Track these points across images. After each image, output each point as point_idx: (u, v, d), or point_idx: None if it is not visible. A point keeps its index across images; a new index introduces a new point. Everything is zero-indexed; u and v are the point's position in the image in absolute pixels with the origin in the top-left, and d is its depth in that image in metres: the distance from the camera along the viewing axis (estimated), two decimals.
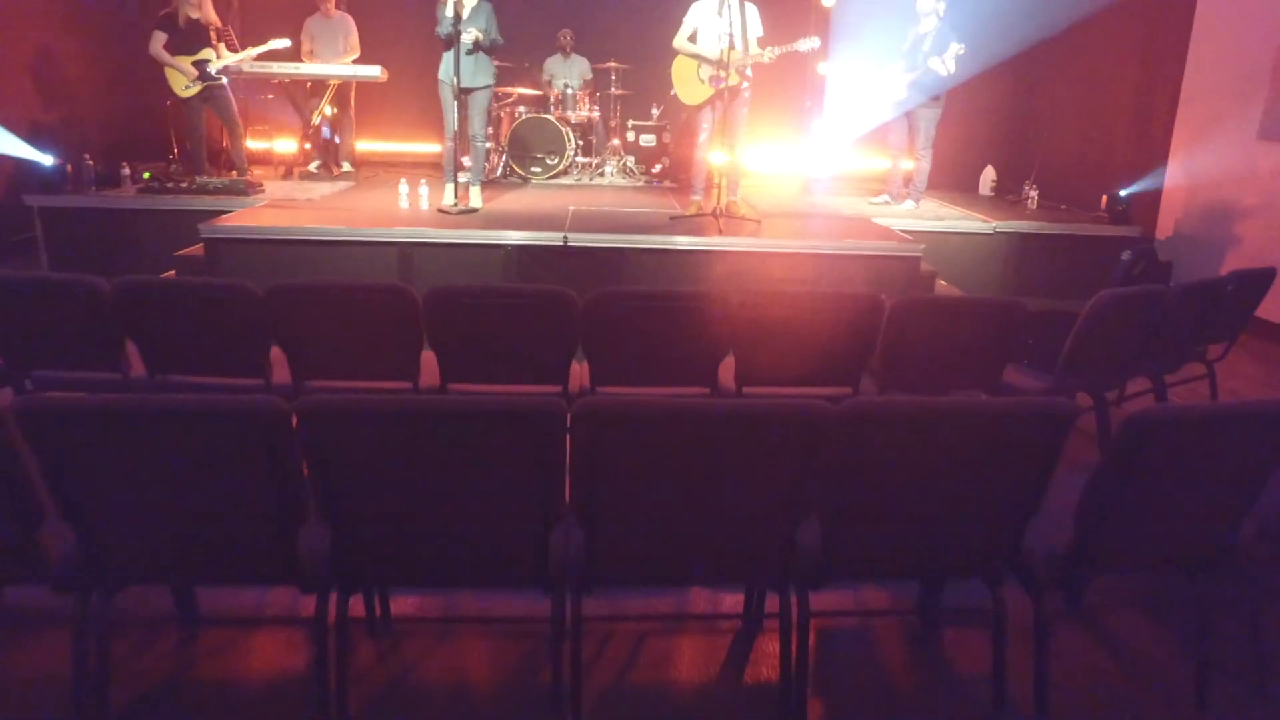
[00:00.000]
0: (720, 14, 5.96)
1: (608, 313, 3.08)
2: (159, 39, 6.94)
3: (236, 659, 2.50)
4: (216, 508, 2.01)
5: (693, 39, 6.22)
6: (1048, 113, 8.72)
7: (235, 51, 7.24)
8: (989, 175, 8.75)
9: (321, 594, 2.12)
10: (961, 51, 6.70)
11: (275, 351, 3.22)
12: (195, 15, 7.03)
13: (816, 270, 5.62)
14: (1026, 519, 2.17)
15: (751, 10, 6.12)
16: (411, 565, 2.14)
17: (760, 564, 2.17)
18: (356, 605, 2.43)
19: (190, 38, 7.03)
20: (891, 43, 7.35)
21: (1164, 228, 7.16)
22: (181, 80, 7.09)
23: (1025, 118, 9.00)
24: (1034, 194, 7.86)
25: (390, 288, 3.09)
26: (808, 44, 5.99)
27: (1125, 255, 4.71)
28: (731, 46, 5.84)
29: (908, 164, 7.59)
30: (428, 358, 3.23)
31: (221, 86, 7.20)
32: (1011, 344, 3.28)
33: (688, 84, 6.30)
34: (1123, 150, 7.57)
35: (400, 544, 2.09)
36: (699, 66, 6.19)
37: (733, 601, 2.78)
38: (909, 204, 7.39)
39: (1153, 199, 7.19)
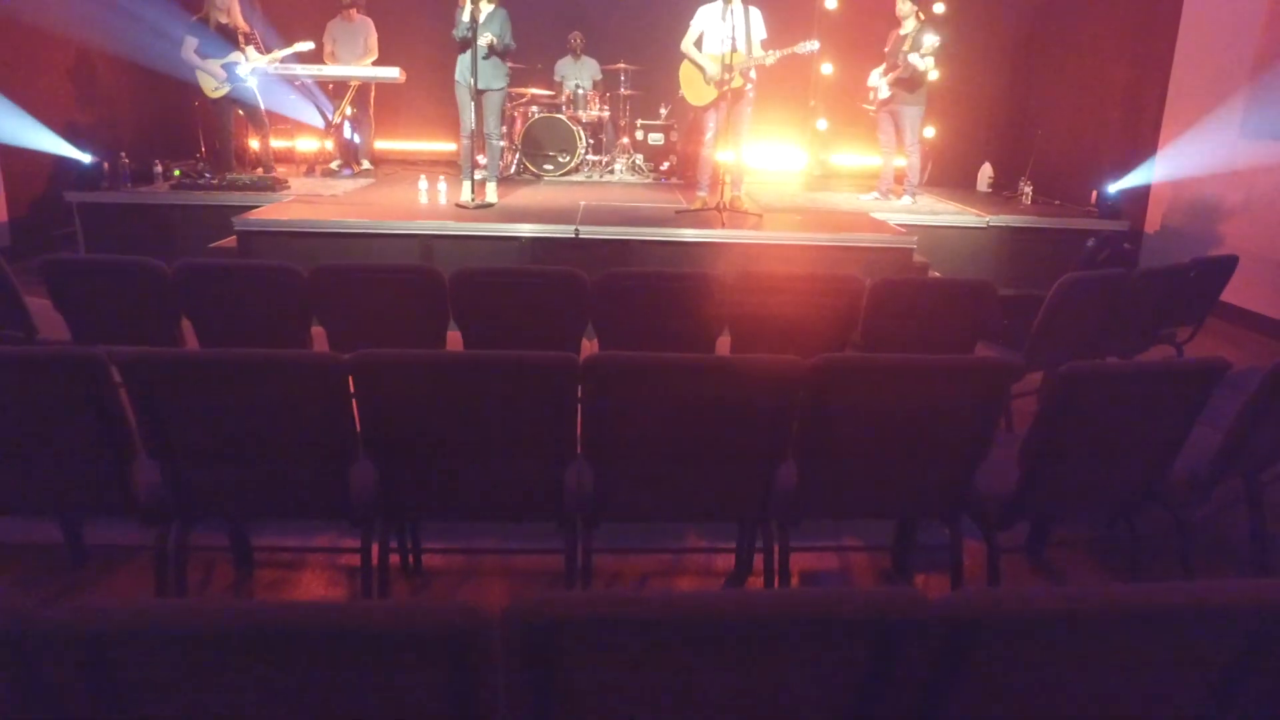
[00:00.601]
0: (724, 18, 6.31)
1: (614, 292, 3.43)
2: (190, 44, 7.33)
3: (287, 590, 2.87)
4: (280, 448, 2.38)
5: (699, 43, 6.57)
6: (1043, 112, 9.05)
7: (262, 54, 7.62)
8: (986, 172, 9.08)
9: (367, 526, 2.48)
10: (937, 44, 7.05)
11: (316, 329, 3.59)
12: (224, 20, 7.42)
13: (813, 261, 5.96)
14: (976, 463, 2.51)
15: (755, 14, 6.47)
16: (446, 499, 2.50)
17: (745, 501, 2.53)
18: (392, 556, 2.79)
19: (219, 42, 7.41)
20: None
21: (1152, 222, 7.48)
22: (211, 82, 7.47)
23: (1022, 117, 9.33)
24: (1028, 189, 8.20)
25: (420, 269, 3.46)
26: (807, 47, 6.34)
27: (1090, 242, 5.04)
28: (734, 49, 6.21)
29: (900, 161, 7.91)
30: (453, 336, 3.59)
31: (250, 88, 7.57)
32: (982, 321, 3.62)
33: (694, 86, 6.66)
34: (1113, 148, 7.88)
35: (437, 480, 2.45)
36: (703, 70, 6.54)
37: (724, 560, 3.13)
38: (906, 199, 7.72)
39: (1142, 194, 7.51)
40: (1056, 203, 8.15)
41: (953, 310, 3.57)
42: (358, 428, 2.36)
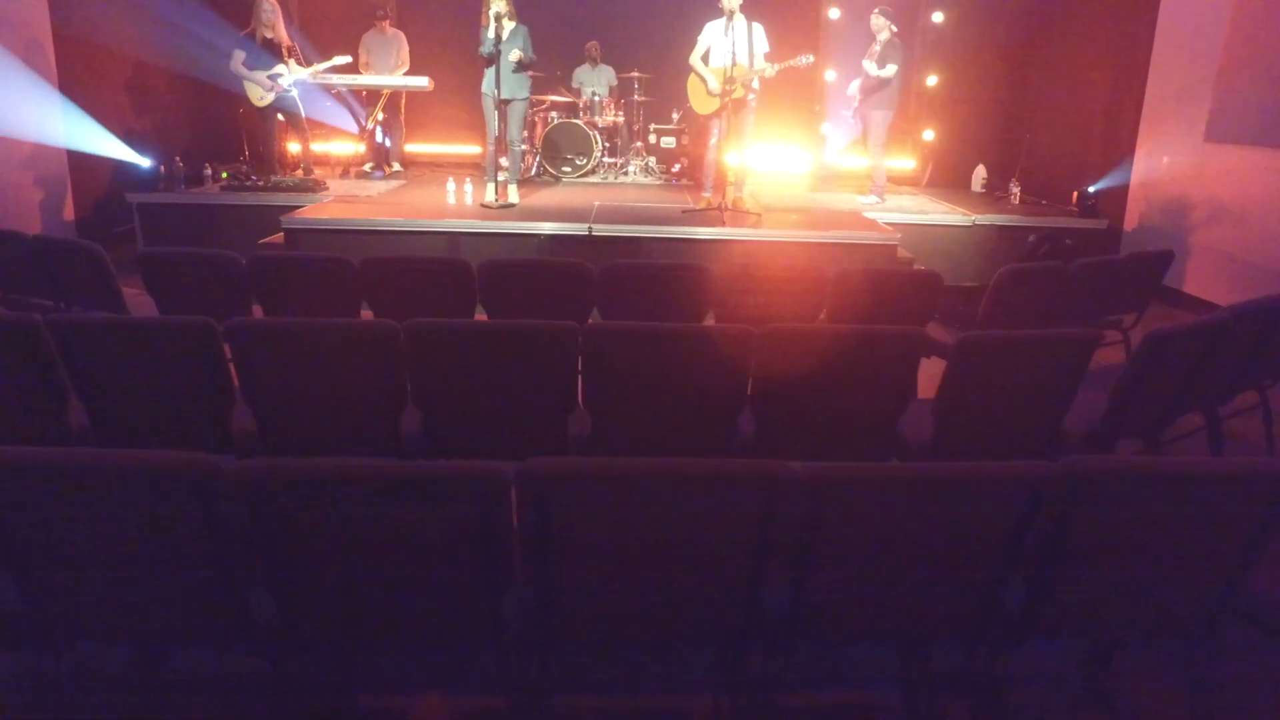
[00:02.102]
0: (727, 33, 6.97)
1: (616, 280, 4.12)
2: (238, 56, 8.08)
3: None
4: (347, 397, 3.07)
5: (706, 56, 7.22)
6: (1033, 117, 9.65)
7: (304, 66, 8.35)
8: (980, 173, 9.68)
9: (414, 455, 3.17)
10: (894, 71, 7.79)
11: (365, 312, 4.30)
12: (270, 35, 8.16)
13: (805, 256, 6.61)
14: (898, 416, 3.17)
15: (758, 29, 7.11)
16: (472, 436, 3.18)
17: (714, 439, 3.20)
18: None
19: (265, 54, 8.15)
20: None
21: (1130, 220, 8.07)
22: (257, 91, 8.21)
23: (1014, 121, 9.91)
24: (1016, 190, 8.80)
25: (453, 260, 4.16)
26: (803, 60, 6.98)
27: (1031, 238, 5.63)
28: (735, 63, 6.87)
29: (892, 161, 8.54)
30: (479, 317, 4.29)
31: (291, 97, 8.31)
32: (933, 305, 4.27)
33: (700, 95, 7.32)
34: (1095, 150, 8.48)
35: (469, 419, 3.13)
36: (708, 80, 7.20)
37: None
38: (872, 199, 8.31)
39: (1120, 195, 8.10)
40: (1043, 202, 8.75)
41: (905, 294, 4.22)
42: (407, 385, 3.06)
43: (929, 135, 10.46)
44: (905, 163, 10.70)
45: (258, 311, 4.33)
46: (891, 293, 4.23)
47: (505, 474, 1.82)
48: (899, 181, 10.27)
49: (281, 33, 8.31)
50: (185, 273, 4.22)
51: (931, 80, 10.36)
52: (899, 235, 6.82)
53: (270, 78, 8.16)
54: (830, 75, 10.13)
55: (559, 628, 2.07)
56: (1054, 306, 4.53)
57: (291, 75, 8.24)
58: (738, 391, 3.06)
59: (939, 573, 2.02)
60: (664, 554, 1.97)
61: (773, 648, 2.23)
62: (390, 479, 1.87)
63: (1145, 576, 2.06)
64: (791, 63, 7.00)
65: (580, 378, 3.10)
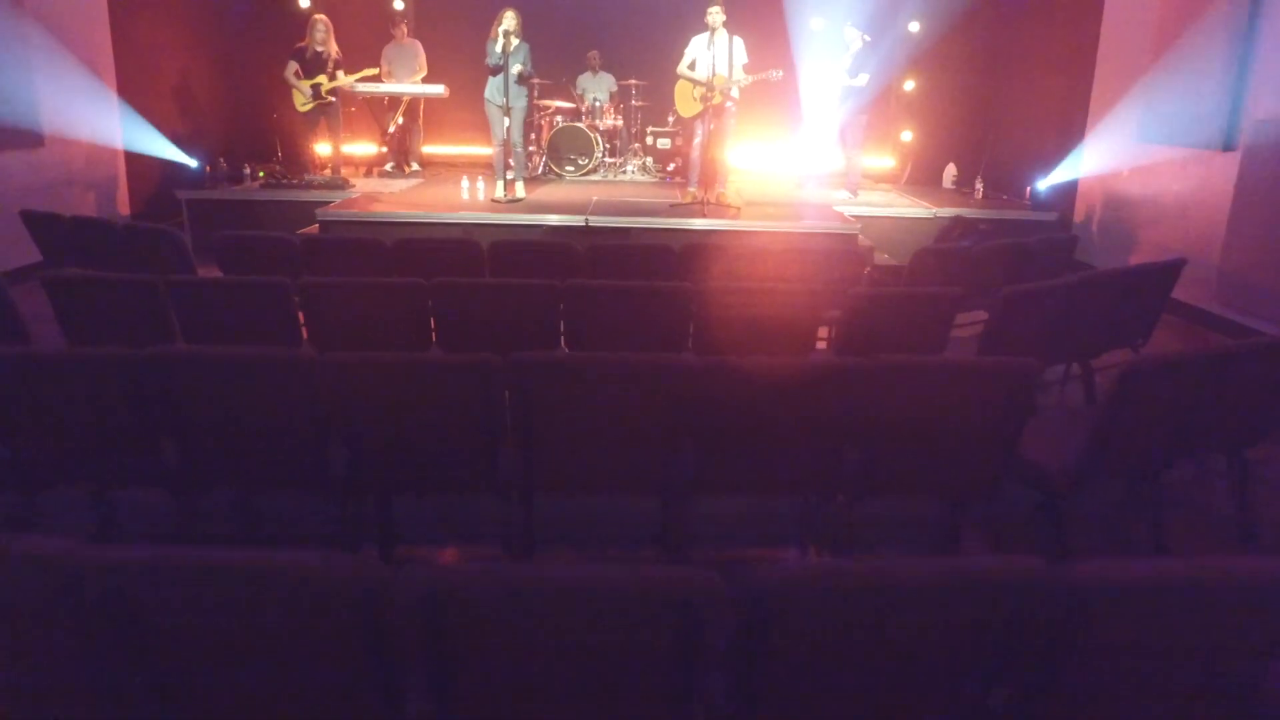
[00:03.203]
0: (709, 46, 8.02)
1: (598, 255, 5.16)
2: (291, 66, 9.16)
3: None
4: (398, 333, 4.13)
5: (693, 66, 8.26)
6: (998, 118, 10.65)
7: (345, 76, 9.39)
8: (951, 171, 10.68)
9: None
10: (866, 79, 8.83)
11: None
12: (321, 49, 9.22)
13: (775, 243, 7.63)
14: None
15: (738, 42, 8.15)
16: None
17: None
18: None
19: (313, 66, 9.21)
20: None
21: (1079, 213, 9.06)
22: (301, 98, 9.28)
23: (981, 123, 10.89)
24: (981, 186, 9.80)
25: (469, 241, 5.22)
26: (774, 74, 8.02)
27: (947, 222, 6.59)
28: (716, 72, 7.91)
29: (873, 160, 9.55)
30: None
31: (332, 104, 9.37)
32: (859, 273, 5.29)
33: (686, 100, 8.38)
34: (1050, 150, 9.45)
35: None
36: (694, 87, 8.25)
37: None
38: (844, 194, 9.31)
39: (1071, 190, 9.09)
40: (1004, 197, 9.75)
41: (836, 264, 5.26)
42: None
43: (907, 136, 11.47)
44: (886, 161, 11.71)
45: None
46: (821, 260, 5.26)
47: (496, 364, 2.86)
48: (880, 179, 11.28)
49: (332, 47, 9.34)
50: (255, 250, 5.29)
51: (909, 85, 11.38)
52: (859, 225, 7.84)
53: (313, 87, 9.21)
54: (811, 82, 11.12)
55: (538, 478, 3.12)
56: (962, 280, 5.54)
57: (331, 84, 9.28)
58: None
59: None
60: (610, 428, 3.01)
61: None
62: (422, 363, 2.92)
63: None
64: (763, 76, 8.04)
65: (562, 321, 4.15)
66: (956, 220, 6.31)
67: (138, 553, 1.68)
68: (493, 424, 3.03)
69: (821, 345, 4.61)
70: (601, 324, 4.09)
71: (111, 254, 5.40)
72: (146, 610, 1.70)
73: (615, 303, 4.05)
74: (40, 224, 5.57)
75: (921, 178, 11.12)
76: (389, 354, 3.01)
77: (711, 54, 7.94)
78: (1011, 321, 4.26)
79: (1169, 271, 5.03)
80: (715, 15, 7.90)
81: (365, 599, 1.67)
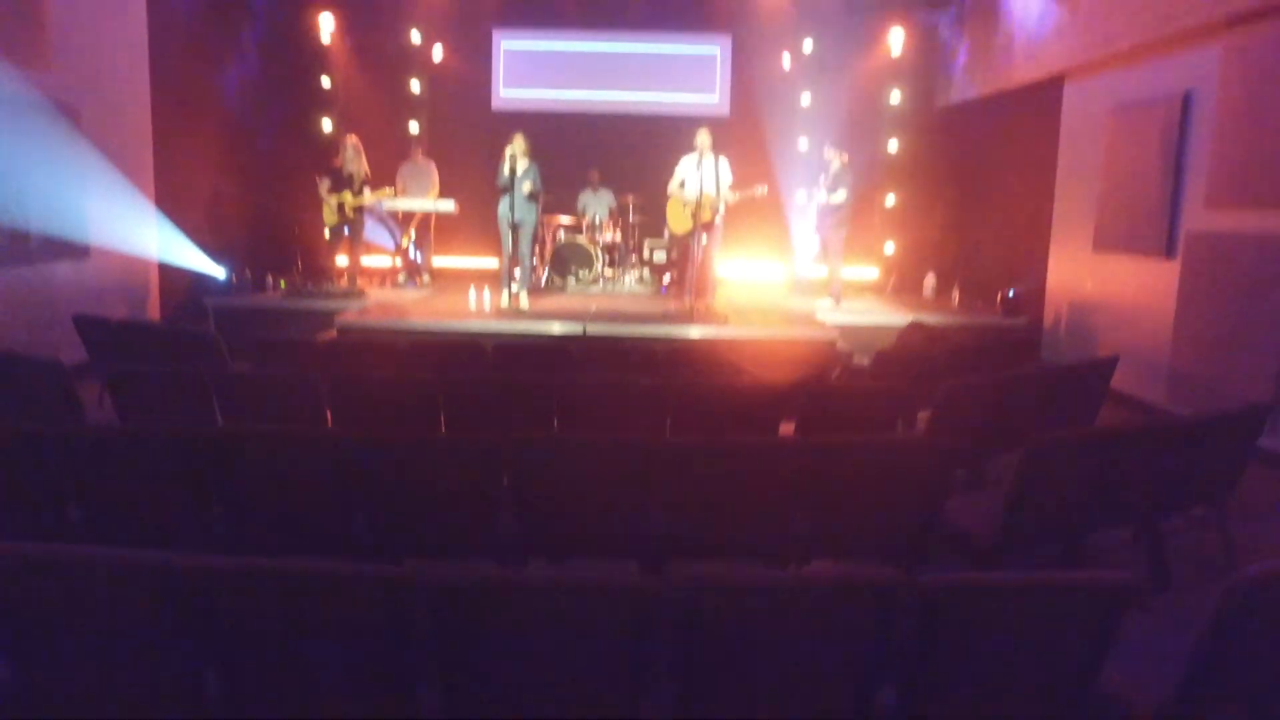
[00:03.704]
0: (698, 167, 8.84)
1: (591, 353, 5.80)
2: (324, 183, 10.02)
3: None
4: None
5: (682, 185, 9.08)
6: (973, 231, 11.45)
7: (371, 194, 10.24)
8: (930, 281, 11.41)
9: None
10: (845, 197, 9.51)
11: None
12: (352, 169, 10.09)
13: (759, 349, 8.26)
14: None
15: (724, 163, 8.98)
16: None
17: None
18: None
19: (342, 183, 10.06)
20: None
21: (1048, 319, 9.72)
22: (329, 211, 10.11)
23: (957, 234, 11.69)
24: (957, 295, 10.51)
25: (475, 344, 5.87)
26: (759, 190, 8.83)
27: (905, 325, 7.20)
28: (704, 192, 8.71)
29: (857, 271, 10.29)
30: None
31: (355, 219, 10.19)
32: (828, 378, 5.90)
33: (677, 217, 9.17)
34: (1019, 260, 10.20)
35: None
36: (683, 205, 9.04)
37: None
38: (829, 302, 10.01)
39: (1039, 296, 9.78)
40: (978, 305, 10.44)
41: (809, 365, 5.87)
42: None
43: (890, 248, 12.28)
44: (871, 272, 12.48)
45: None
46: (794, 361, 5.88)
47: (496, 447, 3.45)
48: (865, 289, 12.02)
49: (361, 166, 10.23)
50: (282, 350, 5.94)
51: (890, 200, 12.24)
52: (837, 331, 8.49)
53: (339, 205, 10.05)
54: (798, 198, 11.99)
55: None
56: (926, 370, 6.14)
57: (355, 201, 10.12)
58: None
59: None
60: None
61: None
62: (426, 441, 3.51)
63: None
64: (749, 192, 8.84)
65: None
66: (914, 325, 6.94)
67: (229, 563, 2.25)
68: (492, 495, 3.59)
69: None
70: (590, 414, 4.67)
71: (153, 353, 6.05)
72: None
73: (603, 396, 4.65)
74: (90, 327, 6.25)
75: (905, 287, 11.85)
76: (404, 433, 3.60)
77: (700, 174, 8.75)
78: (954, 411, 4.84)
79: (1105, 366, 5.64)
80: (703, 138, 8.76)
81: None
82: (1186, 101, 7.40)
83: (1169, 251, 7.56)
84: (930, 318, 9.24)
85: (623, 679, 2.31)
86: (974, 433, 4.62)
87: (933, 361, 5.88)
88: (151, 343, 6.18)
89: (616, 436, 3.76)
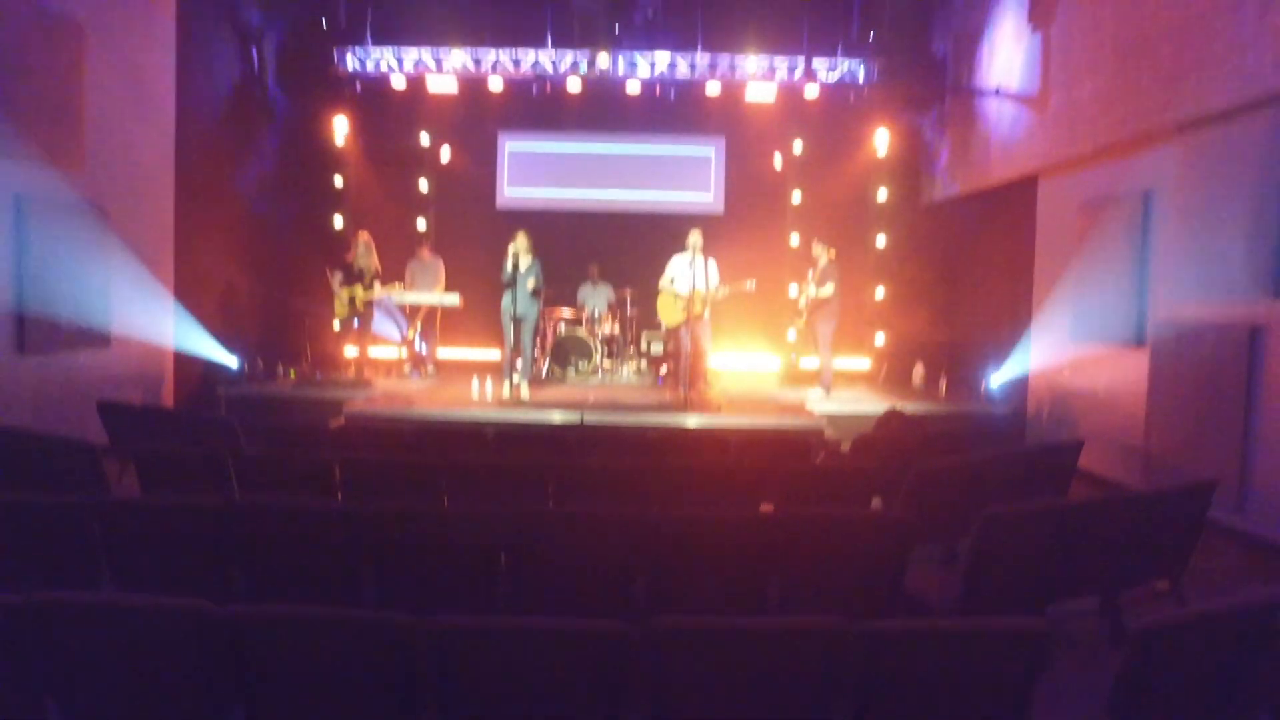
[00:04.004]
0: (690, 266, 9.34)
1: (584, 441, 6.16)
2: (337, 276, 10.53)
3: None
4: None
5: (673, 281, 9.57)
6: (958, 322, 11.91)
7: (382, 288, 10.74)
8: (919, 371, 11.81)
9: None
10: (831, 290, 9.99)
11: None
12: (364, 264, 10.62)
13: (749, 437, 8.60)
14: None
15: (712, 263, 9.50)
16: None
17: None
18: None
19: (354, 277, 10.58)
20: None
21: (1031, 406, 10.09)
22: (343, 307, 10.60)
23: (943, 326, 12.13)
24: (944, 384, 10.91)
25: (477, 430, 6.24)
26: (749, 285, 9.31)
27: (881, 414, 7.57)
28: (694, 288, 9.19)
29: (849, 362, 10.69)
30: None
31: (365, 311, 10.67)
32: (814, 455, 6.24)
33: (668, 311, 9.64)
34: (1001, 350, 10.61)
35: None
36: (674, 300, 9.51)
37: None
38: (819, 392, 10.39)
39: (1022, 385, 10.17)
40: (965, 393, 10.82)
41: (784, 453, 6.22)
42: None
43: (880, 339, 12.72)
44: (862, 362, 12.90)
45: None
46: (779, 447, 6.23)
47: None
48: (856, 379, 12.42)
49: (372, 262, 10.76)
50: (293, 432, 6.31)
51: (879, 293, 12.73)
52: (825, 420, 8.85)
53: (351, 297, 10.55)
54: (793, 290, 12.48)
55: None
56: (900, 453, 6.48)
57: (366, 295, 10.62)
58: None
59: None
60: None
61: None
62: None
63: None
64: (739, 287, 9.32)
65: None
66: (891, 412, 7.30)
67: (253, 609, 2.59)
68: (490, 562, 3.91)
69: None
70: (582, 492, 5.01)
71: (171, 437, 6.42)
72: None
73: (595, 476, 5.00)
74: (112, 411, 6.63)
75: (895, 377, 12.25)
76: (408, 506, 3.94)
77: (691, 272, 9.25)
78: (924, 491, 5.16)
79: (1072, 448, 5.98)
80: (695, 238, 9.29)
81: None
82: (1147, 199, 7.90)
83: (1139, 340, 7.97)
84: (911, 406, 9.62)
85: (601, 710, 2.62)
86: (944, 511, 4.94)
87: (907, 445, 6.23)
88: (169, 427, 6.55)
89: (606, 511, 4.09)
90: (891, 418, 7.02)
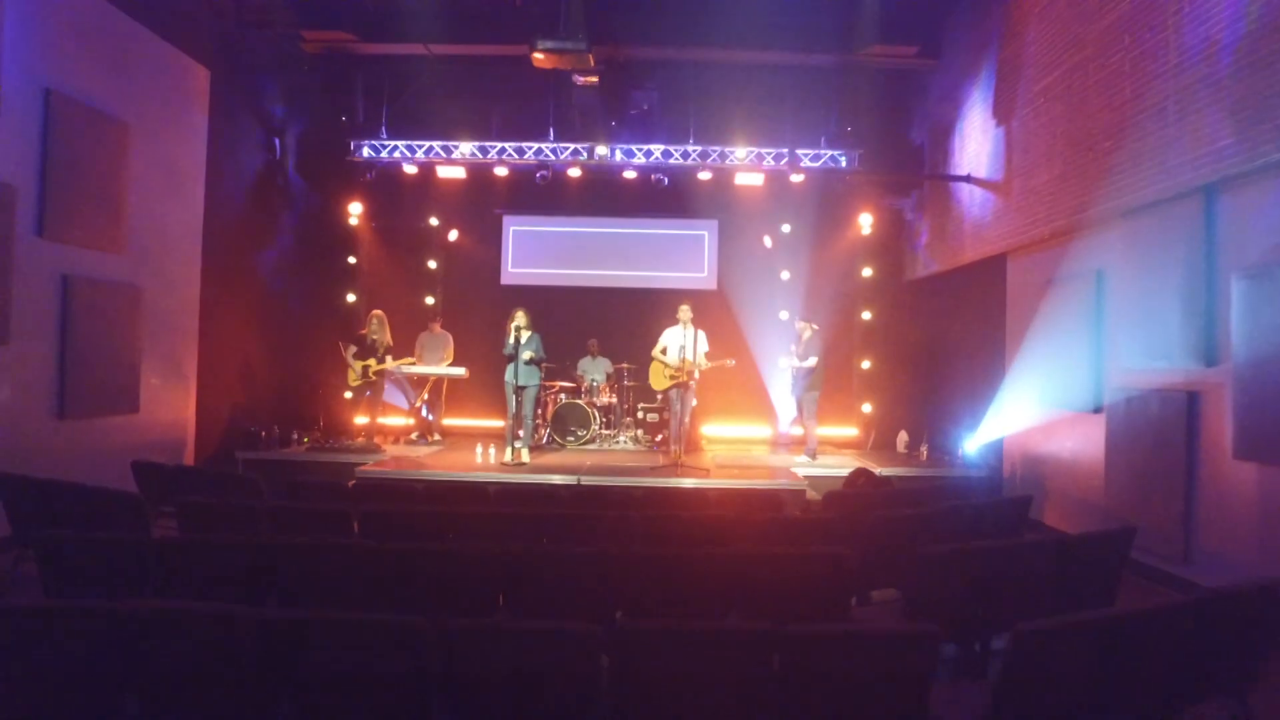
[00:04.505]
0: (681, 338, 10.06)
1: (577, 496, 6.78)
2: (351, 349, 11.29)
3: None
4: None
5: (664, 352, 10.29)
6: (939, 390, 12.56)
7: (393, 362, 11.48)
8: (903, 437, 12.44)
9: None
10: (814, 362, 10.69)
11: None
12: (376, 338, 11.38)
13: (736, 498, 9.19)
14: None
15: (701, 335, 10.23)
16: None
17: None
18: None
19: (366, 350, 11.32)
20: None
21: (1007, 469, 10.67)
22: (354, 376, 11.32)
23: (923, 395, 12.79)
24: (925, 449, 11.52)
25: (480, 488, 6.87)
26: (728, 362, 10.04)
27: (850, 473, 8.17)
28: (684, 358, 9.90)
29: (837, 430, 11.33)
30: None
31: (376, 382, 11.39)
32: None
33: (658, 378, 10.34)
34: (977, 417, 11.23)
35: None
36: (664, 369, 10.21)
37: None
38: (805, 459, 11.01)
39: (998, 449, 10.77)
40: (945, 458, 11.42)
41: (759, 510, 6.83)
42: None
43: (867, 408, 13.37)
44: (850, 430, 13.53)
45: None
46: (754, 504, 6.84)
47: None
48: (844, 446, 13.04)
49: (385, 337, 11.52)
50: (312, 489, 6.94)
51: (866, 364, 13.42)
52: (806, 482, 9.46)
53: (363, 368, 11.28)
54: (780, 363, 13.17)
55: None
56: (863, 505, 7.07)
57: (377, 367, 11.35)
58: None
59: None
60: None
61: None
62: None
63: None
64: (719, 364, 10.05)
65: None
66: (859, 470, 7.89)
67: (291, 612, 3.21)
68: (491, 586, 4.52)
69: None
70: (571, 536, 5.62)
71: (198, 492, 7.05)
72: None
73: (583, 523, 5.62)
74: (145, 470, 7.28)
75: (882, 443, 12.87)
76: (424, 544, 4.57)
77: (681, 343, 9.96)
78: (877, 535, 5.74)
79: (1021, 504, 6.58)
80: (685, 312, 10.04)
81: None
82: (1100, 278, 8.61)
83: (1097, 406, 8.60)
84: (893, 470, 10.23)
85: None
86: (892, 552, 5.52)
87: (872, 500, 6.84)
88: (196, 483, 7.18)
89: (590, 546, 4.71)
90: (858, 475, 7.60)
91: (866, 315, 13.49)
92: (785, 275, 13.79)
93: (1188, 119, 6.77)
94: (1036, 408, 9.85)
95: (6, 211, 7.34)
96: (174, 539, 4.83)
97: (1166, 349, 7.43)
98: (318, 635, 3.27)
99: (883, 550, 5.45)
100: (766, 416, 13.62)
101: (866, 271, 13.55)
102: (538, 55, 9.92)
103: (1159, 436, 7.55)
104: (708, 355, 10.18)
